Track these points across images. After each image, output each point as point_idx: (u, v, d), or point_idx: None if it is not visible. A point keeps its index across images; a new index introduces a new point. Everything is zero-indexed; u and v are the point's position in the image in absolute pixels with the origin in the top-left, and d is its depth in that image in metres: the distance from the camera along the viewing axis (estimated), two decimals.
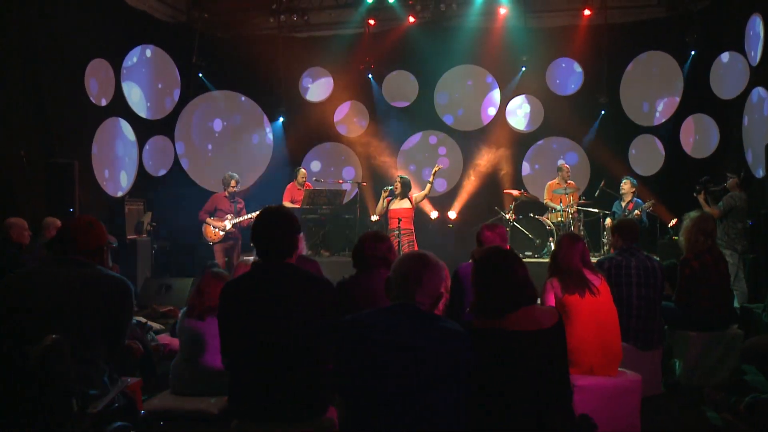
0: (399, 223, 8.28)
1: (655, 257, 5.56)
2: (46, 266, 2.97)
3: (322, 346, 2.93)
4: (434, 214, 11.09)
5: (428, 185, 8.72)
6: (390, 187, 8.74)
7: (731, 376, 5.01)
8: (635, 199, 8.70)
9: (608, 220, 8.92)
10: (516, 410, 2.44)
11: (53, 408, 2.45)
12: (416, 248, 8.52)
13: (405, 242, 8.49)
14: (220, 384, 4.33)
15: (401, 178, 8.77)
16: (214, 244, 8.79)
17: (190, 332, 4.40)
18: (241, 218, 8.79)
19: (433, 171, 8.62)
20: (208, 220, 8.75)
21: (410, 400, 2.29)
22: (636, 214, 8.40)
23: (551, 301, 3.96)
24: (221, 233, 8.71)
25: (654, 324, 4.78)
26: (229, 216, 8.76)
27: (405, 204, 8.65)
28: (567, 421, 2.51)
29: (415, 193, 8.87)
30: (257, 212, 8.74)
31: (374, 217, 10.98)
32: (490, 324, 2.52)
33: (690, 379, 5.10)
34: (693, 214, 5.36)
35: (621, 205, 8.80)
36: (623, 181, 8.82)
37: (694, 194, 7.62)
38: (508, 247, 4.09)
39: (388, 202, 8.72)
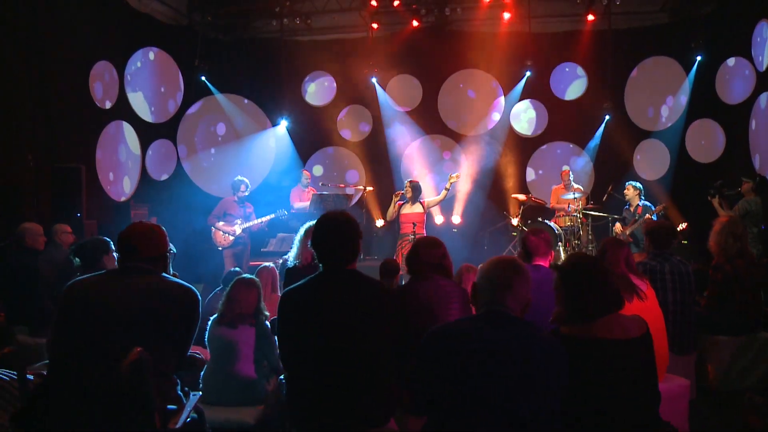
0: (414, 227, 8.21)
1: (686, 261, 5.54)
2: (110, 275, 2.82)
3: (388, 355, 2.87)
4: (439, 219, 11.06)
5: (444, 192, 8.66)
6: (402, 192, 8.67)
7: (765, 380, 5.01)
8: (643, 202, 8.70)
9: (617, 225, 8.92)
10: (607, 418, 2.39)
11: (137, 425, 2.34)
12: None
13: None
14: (253, 393, 4.26)
15: (411, 182, 8.71)
16: (223, 249, 8.66)
17: (222, 341, 4.31)
18: (251, 223, 8.67)
19: (450, 179, 8.56)
20: (218, 224, 8.63)
21: (505, 408, 2.24)
22: (647, 218, 8.40)
23: None
24: (231, 238, 8.59)
25: (689, 328, 4.76)
26: (238, 221, 8.64)
27: (417, 209, 8.58)
28: (655, 428, 2.46)
29: (428, 198, 8.81)
30: (267, 217, 8.69)
31: (380, 222, 10.95)
32: (578, 331, 2.47)
33: (722, 383, 5.08)
34: (721, 218, 5.35)
35: (630, 210, 8.79)
36: (626, 187, 8.83)
37: (709, 198, 7.64)
38: (552, 253, 4.07)
39: (399, 207, 8.64)
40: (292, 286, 3.07)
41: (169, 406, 2.63)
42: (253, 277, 4.78)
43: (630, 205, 8.82)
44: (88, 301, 2.69)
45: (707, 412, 4.62)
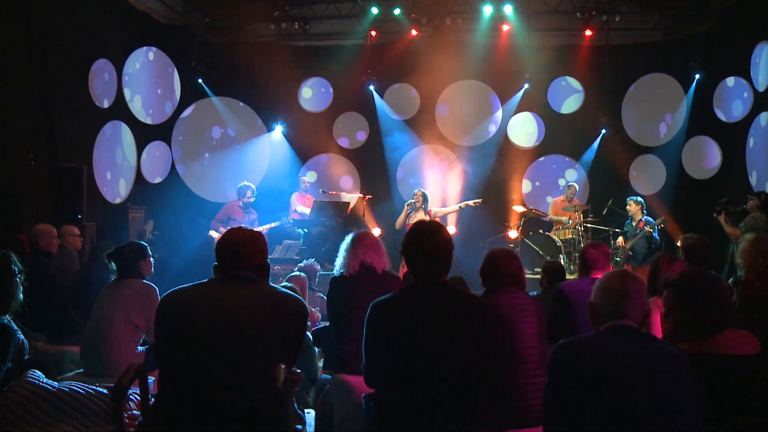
0: None
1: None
2: (218, 285, 2.64)
3: (488, 368, 2.80)
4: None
5: (457, 208, 8.68)
6: (412, 201, 8.64)
7: None
8: (645, 217, 8.81)
9: (620, 239, 9.00)
10: None
11: None
12: None
13: None
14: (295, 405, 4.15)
15: (421, 191, 8.69)
16: None
17: None
18: (255, 229, 8.49)
19: (469, 202, 8.59)
20: (221, 229, 8.44)
21: (639, 424, 2.19)
22: (647, 231, 8.51)
23: (657, 321, 3.90)
24: None
25: None
26: (243, 227, 8.45)
27: (422, 217, 8.55)
28: None
29: (435, 208, 8.79)
30: (271, 224, 8.53)
31: (377, 231, 10.85)
32: (700, 348, 2.44)
33: None
34: (748, 236, 5.39)
35: (632, 225, 8.88)
36: (628, 202, 8.93)
37: (714, 215, 7.74)
38: (610, 267, 4.05)
39: (407, 216, 8.61)
40: (382, 298, 2.97)
41: (298, 426, 2.50)
42: (294, 287, 4.66)
43: (633, 219, 8.91)
44: (200, 312, 2.51)
45: None
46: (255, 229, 8.23)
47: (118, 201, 9.13)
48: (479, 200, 8.74)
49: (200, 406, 2.33)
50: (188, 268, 9.52)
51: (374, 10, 10.80)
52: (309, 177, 11.42)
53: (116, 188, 9.16)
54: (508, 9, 10.53)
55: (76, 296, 5.24)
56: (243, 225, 8.37)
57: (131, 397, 2.89)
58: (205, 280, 2.69)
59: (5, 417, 2.59)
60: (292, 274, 5.55)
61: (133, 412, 2.79)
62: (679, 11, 10.43)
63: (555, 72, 11.14)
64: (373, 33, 11.24)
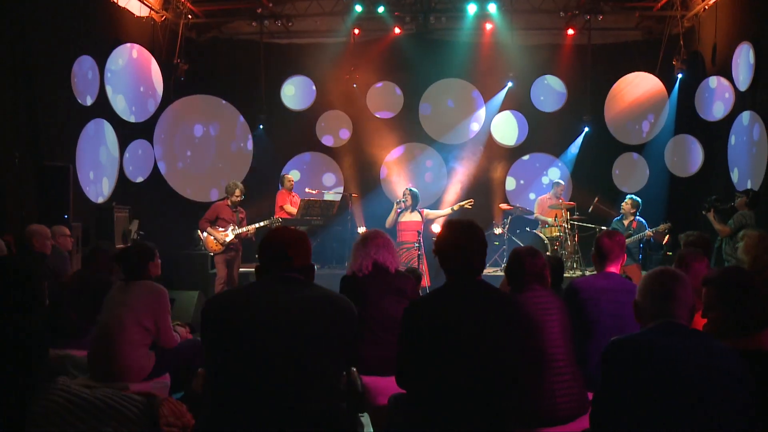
0: (420, 236, 8.16)
1: None
2: (268, 287, 2.55)
3: (523, 365, 2.81)
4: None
5: (450, 210, 8.68)
6: (402, 200, 8.62)
7: None
8: (638, 218, 8.90)
9: None
10: None
11: None
12: (425, 263, 8.42)
13: (414, 256, 8.35)
14: None
15: (410, 190, 8.67)
16: (215, 255, 8.36)
17: None
18: (243, 229, 8.40)
19: (462, 204, 8.59)
20: (209, 229, 8.31)
21: (698, 421, 2.21)
22: (648, 235, 8.60)
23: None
24: (223, 244, 8.29)
25: None
26: (231, 226, 8.35)
27: (415, 217, 8.55)
28: None
29: (429, 209, 8.80)
30: (260, 223, 8.46)
31: (362, 229, 10.82)
32: (744, 344, 2.47)
33: None
34: (750, 231, 5.49)
35: (623, 224, 8.95)
36: (624, 201, 9.02)
37: (703, 212, 7.87)
38: (625, 257, 4.08)
39: (398, 215, 8.59)
40: (420, 298, 2.96)
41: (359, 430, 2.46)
42: None
43: (624, 217, 8.99)
44: (256, 315, 2.45)
45: None
46: (246, 229, 8.23)
47: (101, 200, 8.93)
48: (471, 200, 8.74)
49: (264, 409, 2.28)
50: (175, 269, 9.40)
51: (358, 8, 10.77)
52: (293, 176, 11.34)
53: (99, 187, 8.97)
54: (492, 7, 10.57)
55: (75, 299, 5.10)
56: (231, 225, 8.31)
57: (166, 403, 2.81)
58: (252, 282, 2.62)
59: (42, 426, 2.49)
60: None
61: (168, 417, 2.72)
62: (660, 11, 10.57)
63: (538, 70, 11.23)
64: (356, 31, 11.19)
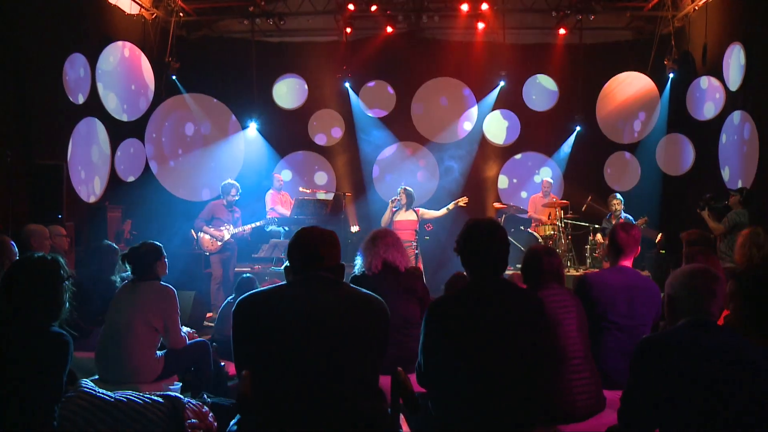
0: (416, 234, 8.14)
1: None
2: (302, 285, 2.53)
3: (543, 366, 2.83)
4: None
5: (445, 210, 8.66)
6: (397, 198, 8.59)
7: None
8: (624, 214, 9.00)
9: (598, 236, 9.16)
10: None
11: None
12: (420, 262, 8.42)
13: (410, 255, 8.34)
14: None
15: (405, 189, 8.65)
16: (211, 254, 8.30)
17: None
18: (239, 229, 8.34)
19: (457, 202, 8.56)
20: (205, 228, 8.25)
21: (734, 418, 2.22)
22: (624, 221, 8.68)
23: None
24: (219, 243, 8.23)
25: None
26: (227, 225, 8.29)
27: (410, 216, 8.54)
28: None
29: (423, 208, 8.78)
30: (255, 223, 8.41)
31: (354, 228, 10.81)
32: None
33: None
34: (743, 231, 5.55)
35: (611, 222, 9.05)
36: (613, 199, 9.11)
37: (698, 211, 7.94)
38: (638, 250, 4.08)
39: (393, 213, 8.57)
40: (443, 297, 2.96)
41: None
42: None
43: (613, 215, 9.08)
44: (292, 315, 2.43)
45: None
46: (242, 229, 8.18)
47: (93, 200, 8.83)
48: (466, 198, 8.73)
49: (308, 410, 2.26)
50: (169, 269, 9.30)
51: (350, 7, 10.72)
52: (284, 175, 11.27)
53: (91, 187, 8.86)
54: (484, 6, 10.58)
55: (76, 299, 5.03)
56: (227, 224, 8.26)
57: (189, 405, 2.78)
58: (283, 283, 2.60)
59: (67, 429, 2.46)
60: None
61: (192, 420, 2.69)
62: (651, 11, 10.65)
63: (530, 70, 11.26)
64: (349, 30, 11.15)
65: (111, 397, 2.64)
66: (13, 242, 4.18)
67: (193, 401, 2.90)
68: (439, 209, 8.84)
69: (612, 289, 3.79)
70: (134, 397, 2.72)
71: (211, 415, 2.86)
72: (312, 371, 2.35)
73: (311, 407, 2.31)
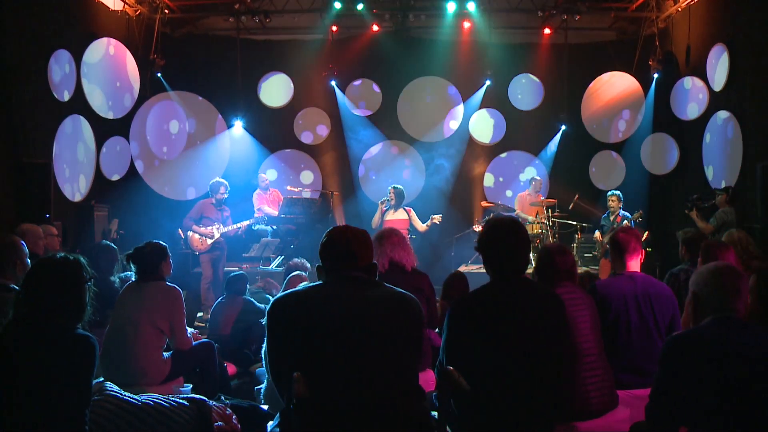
0: (408, 233, 8.15)
1: None
2: (338, 285, 2.51)
3: (562, 364, 2.87)
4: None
5: (425, 226, 8.65)
6: (387, 198, 8.59)
7: None
8: (623, 212, 9.09)
9: (597, 233, 9.24)
10: None
11: None
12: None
13: None
14: None
15: (395, 188, 8.65)
16: (200, 254, 8.22)
17: None
18: (229, 228, 8.27)
19: (432, 219, 8.55)
20: (194, 227, 8.17)
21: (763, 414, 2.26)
22: (625, 225, 8.77)
23: None
24: (209, 242, 8.16)
25: None
26: (216, 225, 8.22)
27: (401, 215, 8.56)
28: None
29: (413, 211, 8.80)
30: (245, 222, 8.35)
31: None
32: None
33: None
34: (733, 231, 5.63)
35: (610, 220, 9.13)
36: (610, 197, 9.19)
37: (686, 211, 8.05)
38: (643, 252, 4.12)
39: (383, 213, 8.57)
40: (465, 297, 2.97)
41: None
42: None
43: (611, 213, 9.17)
44: (331, 316, 2.41)
45: None
46: (237, 226, 8.12)
47: (78, 199, 8.69)
48: (439, 216, 8.70)
49: (349, 410, 2.26)
50: None
51: (337, 5, 10.68)
52: (269, 174, 11.18)
53: (76, 185, 8.71)
54: (470, 6, 10.62)
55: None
56: (217, 223, 8.18)
57: (214, 408, 2.75)
58: (319, 283, 2.57)
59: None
60: (295, 273, 5.38)
61: (218, 423, 2.67)
62: (635, 12, 10.78)
63: (516, 69, 11.32)
64: (335, 28, 11.11)
65: (137, 400, 2.61)
66: (23, 242, 4.08)
67: (217, 404, 2.87)
68: (425, 222, 8.79)
69: (625, 301, 3.70)
70: (160, 400, 2.68)
71: (234, 417, 2.84)
72: (354, 372, 2.34)
73: (356, 408, 2.30)
